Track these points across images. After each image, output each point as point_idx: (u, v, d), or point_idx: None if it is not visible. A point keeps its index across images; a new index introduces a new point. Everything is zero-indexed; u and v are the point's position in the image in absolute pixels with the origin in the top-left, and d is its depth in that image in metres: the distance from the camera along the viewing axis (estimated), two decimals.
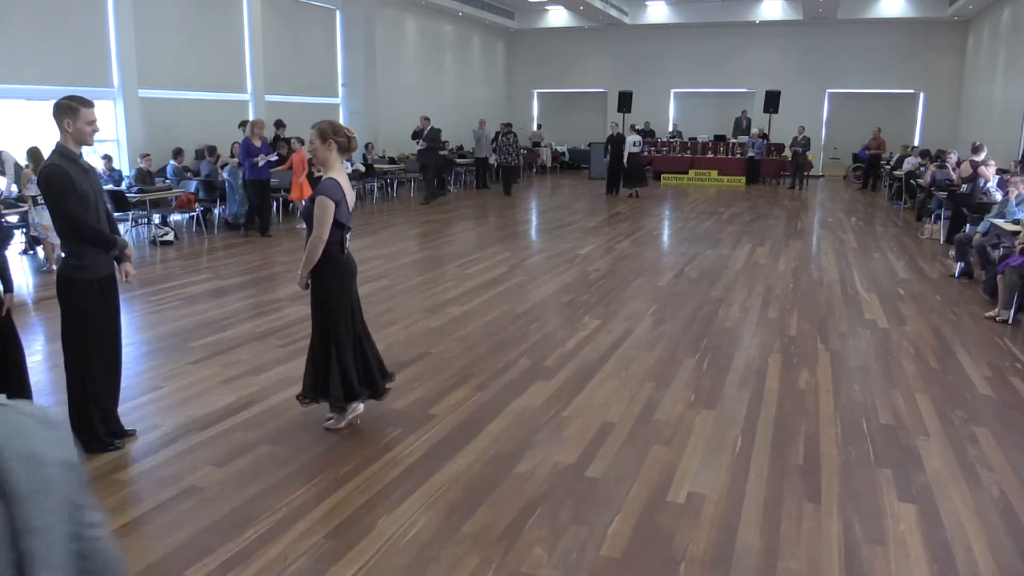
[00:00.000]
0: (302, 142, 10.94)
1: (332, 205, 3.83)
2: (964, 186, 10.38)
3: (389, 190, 16.00)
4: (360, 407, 4.22)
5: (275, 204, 11.80)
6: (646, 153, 17.38)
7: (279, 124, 13.80)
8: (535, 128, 22.82)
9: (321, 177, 4.07)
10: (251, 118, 13.04)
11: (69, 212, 3.59)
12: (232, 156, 11.06)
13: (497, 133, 18.25)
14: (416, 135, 14.63)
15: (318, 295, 4.04)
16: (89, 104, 3.64)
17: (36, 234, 8.20)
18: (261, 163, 10.27)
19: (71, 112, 3.60)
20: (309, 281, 4.01)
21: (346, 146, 3.91)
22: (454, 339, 5.87)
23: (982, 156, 10.82)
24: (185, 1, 12.48)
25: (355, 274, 4.15)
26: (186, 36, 12.50)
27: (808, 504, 3.44)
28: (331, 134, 3.86)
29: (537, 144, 22.48)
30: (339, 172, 3.94)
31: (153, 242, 9.77)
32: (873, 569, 2.96)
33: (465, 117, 20.42)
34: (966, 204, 9.75)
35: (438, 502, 3.40)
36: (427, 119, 14.35)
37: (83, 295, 3.69)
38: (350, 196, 3.99)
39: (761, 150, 19.43)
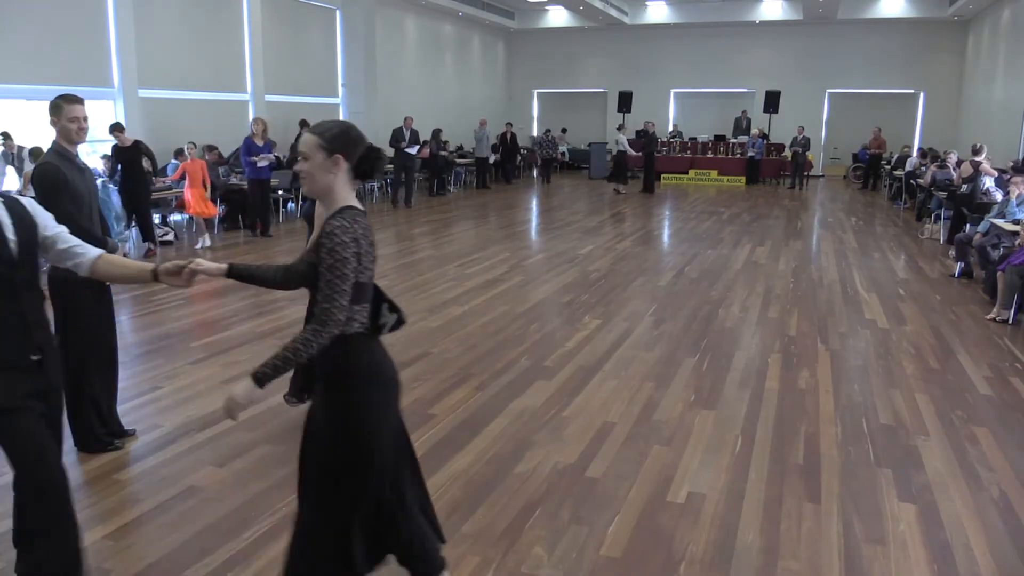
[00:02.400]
0: (196, 147, 10.23)
1: None
2: (964, 186, 10.39)
3: (389, 190, 15.99)
4: None
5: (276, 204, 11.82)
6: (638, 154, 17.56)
7: (303, 124, 13.78)
8: (560, 132, 22.52)
9: None
10: (251, 117, 13.06)
11: (61, 211, 3.58)
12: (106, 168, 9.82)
13: (503, 134, 19.27)
14: (397, 140, 14.33)
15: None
16: (76, 101, 3.61)
17: None
18: (262, 163, 10.26)
19: (56, 109, 3.59)
20: None
21: None
22: (454, 339, 5.86)
23: (982, 157, 10.82)
24: (185, 1, 12.47)
25: None
26: (186, 36, 12.49)
27: (808, 504, 3.44)
28: None
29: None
30: None
31: (153, 242, 9.75)
32: (873, 569, 2.96)
33: (465, 117, 20.42)
34: (966, 204, 9.76)
35: (438, 502, 3.39)
36: (410, 119, 14.38)
37: (74, 294, 3.68)
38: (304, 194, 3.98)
39: (761, 150, 19.45)
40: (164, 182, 10.55)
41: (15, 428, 2.35)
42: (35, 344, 2.38)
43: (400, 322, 2.33)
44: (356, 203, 2.23)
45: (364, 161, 2.24)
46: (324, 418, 2.23)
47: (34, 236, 2.38)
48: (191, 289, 7.36)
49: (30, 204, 2.42)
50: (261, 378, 2.09)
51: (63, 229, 2.49)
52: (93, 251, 2.50)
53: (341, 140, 2.19)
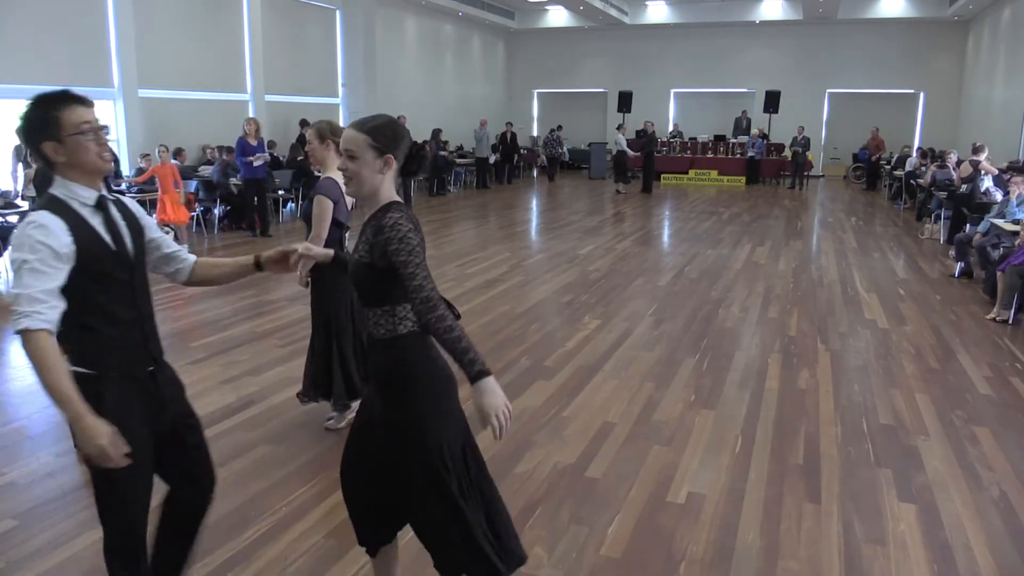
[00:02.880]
0: (167, 150, 9.51)
1: (330, 204, 3.82)
2: (964, 186, 10.39)
3: None
4: None
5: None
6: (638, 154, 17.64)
7: (304, 123, 13.80)
8: (557, 129, 22.47)
9: (319, 176, 4.07)
10: (251, 116, 13.07)
11: None
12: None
13: (503, 134, 19.09)
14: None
15: (318, 293, 4.04)
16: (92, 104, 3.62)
17: None
18: (257, 163, 10.27)
19: None
20: (309, 279, 3.99)
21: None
22: None
23: (982, 156, 10.82)
24: (185, 1, 12.48)
25: None
26: (186, 36, 12.50)
27: (808, 504, 3.44)
28: (329, 134, 3.86)
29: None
30: (337, 171, 3.93)
31: None
32: (873, 569, 2.96)
33: (465, 117, 20.43)
34: (966, 204, 9.76)
35: None
36: (403, 117, 14.40)
37: None
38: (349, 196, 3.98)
39: (761, 150, 19.45)
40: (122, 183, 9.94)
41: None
42: (150, 354, 2.16)
43: (455, 318, 2.24)
44: (400, 199, 2.17)
45: (411, 160, 2.18)
46: (384, 421, 2.18)
47: (142, 238, 2.19)
48: (191, 289, 7.37)
49: (134, 205, 2.23)
50: (483, 370, 2.03)
51: (163, 234, 2.30)
52: (191, 256, 2.35)
53: (392, 138, 2.12)
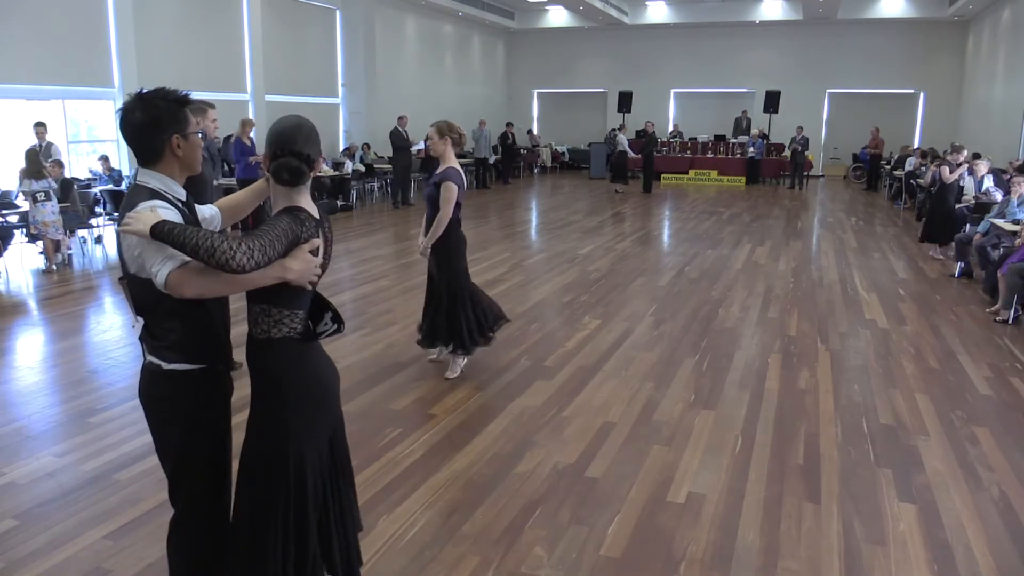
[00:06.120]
0: None
1: (456, 189, 4.60)
2: (935, 184, 10.39)
3: (389, 190, 16.00)
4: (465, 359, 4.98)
5: None
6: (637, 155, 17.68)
7: None
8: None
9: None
10: (251, 118, 13.06)
11: None
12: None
13: (504, 135, 19.02)
14: (401, 140, 14.23)
15: (444, 262, 4.74)
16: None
17: (36, 231, 8.18)
18: (255, 162, 10.28)
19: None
20: (428, 251, 4.72)
21: (457, 141, 4.72)
22: None
23: (956, 155, 10.59)
24: (185, 1, 12.47)
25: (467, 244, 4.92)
26: (186, 36, 12.49)
27: (808, 504, 3.44)
28: (447, 131, 4.68)
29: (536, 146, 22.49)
30: (455, 162, 4.71)
31: None
32: (873, 569, 2.96)
33: (465, 117, 20.39)
34: (941, 201, 9.68)
35: (438, 502, 3.40)
36: (405, 118, 14.38)
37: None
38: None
39: (761, 150, 19.44)
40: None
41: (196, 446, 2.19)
42: (226, 352, 2.23)
43: (338, 330, 2.24)
44: (305, 206, 2.12)
45: (280, 168, 2.07)
46: (253, 421, 2.21)
47: None
48: None
49: (197, 208, 2.31)
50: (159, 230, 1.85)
51: None
52: None
53: (269, 141, 2.11)
